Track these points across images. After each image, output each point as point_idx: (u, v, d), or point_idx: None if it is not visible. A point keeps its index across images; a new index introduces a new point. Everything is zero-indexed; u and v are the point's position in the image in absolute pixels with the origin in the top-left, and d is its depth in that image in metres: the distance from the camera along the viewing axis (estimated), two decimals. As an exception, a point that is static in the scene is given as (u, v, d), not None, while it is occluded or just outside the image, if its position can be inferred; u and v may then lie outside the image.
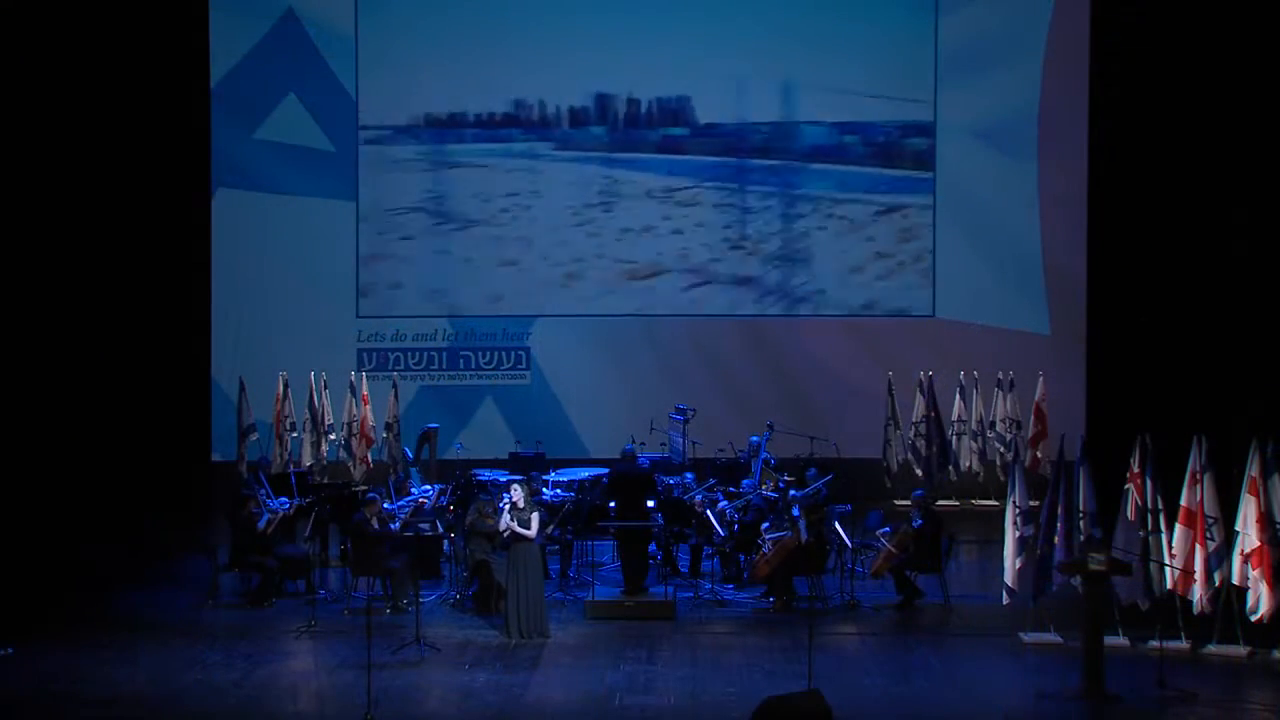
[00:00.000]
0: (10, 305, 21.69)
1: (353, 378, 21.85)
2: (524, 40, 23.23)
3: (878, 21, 23.19)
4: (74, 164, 22.32)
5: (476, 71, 23.26)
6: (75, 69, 22.27)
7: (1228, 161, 22.53)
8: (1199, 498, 15.03)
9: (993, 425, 22.42)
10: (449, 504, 17.96)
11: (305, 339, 22.81)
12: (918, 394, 22.26)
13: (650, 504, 17.35)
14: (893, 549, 16.81)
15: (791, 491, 17.21)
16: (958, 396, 22.53)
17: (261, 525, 16.81)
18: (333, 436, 21.51)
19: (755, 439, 19.35)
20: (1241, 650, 14.95)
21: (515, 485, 15.91)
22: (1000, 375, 22.36)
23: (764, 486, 17.67)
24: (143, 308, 22.70)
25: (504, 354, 23.50)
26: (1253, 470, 14.83)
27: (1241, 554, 14.89)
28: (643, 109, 23.44)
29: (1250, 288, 22.47)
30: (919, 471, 22.17)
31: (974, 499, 22.44)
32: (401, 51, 23.20)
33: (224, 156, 23.12)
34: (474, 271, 23.46)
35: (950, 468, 22.40)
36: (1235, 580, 14.96)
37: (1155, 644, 14.57)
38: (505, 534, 15.60)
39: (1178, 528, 15.12)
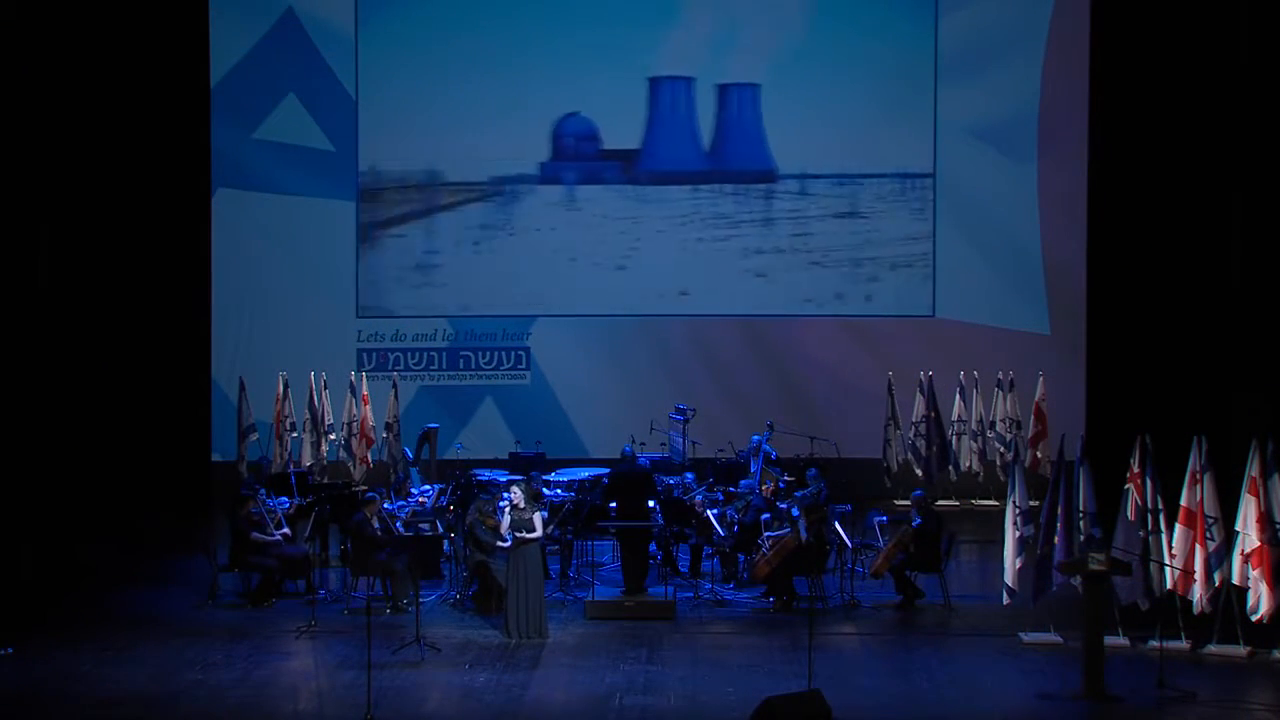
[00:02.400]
0: (11, 305, 21.68)
1: (353, 378, 21.84)
2: (526, 44, 23.29)
3: (877, 21, 23.16)
4: (74, 164, 22.31)
5: (475, 73, 23.30)
6: (75, 69, 22.26)
7: (1227, 161, 22.54)
8: (1199, 498, 15.02)
9: (993, 425, 22.41)
10: (449, 504, 17.96)
11: (305, 339, 22.80)
12: (918, 394, 22.25)
13: (650, 504, 17.35)
14: (891, 547, 16.82)
15: (781, 502, 17.15)
16: (958, 396, 22.51)
17: (256, 536, 16.81)
18: (333, 436, 21.51)
19: (756, 438, 19.35)
20: (1241, 650, 14.94)
21: (515, 486, 15.90)
22: (1000, 375, 22.35)
23: (763, 488, 17.66)
24: (143, 307, 22.69)
25: (504, 354, 23.48)
26: (1253, 470, 14.82)
27: (1241, 554, 14.89)
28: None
29: (1250, 287, 22.46)
30: (919, 471, 22.17)
31: (974, 499, 22.43)
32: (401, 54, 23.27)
33: (224, 156, 23.10)
34: (474, 271, 23.45)
35: (950, 468, 22.40)
36: (1235, 580, 14.95)
37: (1155, 644, 14.57)
38: (509, 540, 15.55)
39: (1178, 528, 15.11)
